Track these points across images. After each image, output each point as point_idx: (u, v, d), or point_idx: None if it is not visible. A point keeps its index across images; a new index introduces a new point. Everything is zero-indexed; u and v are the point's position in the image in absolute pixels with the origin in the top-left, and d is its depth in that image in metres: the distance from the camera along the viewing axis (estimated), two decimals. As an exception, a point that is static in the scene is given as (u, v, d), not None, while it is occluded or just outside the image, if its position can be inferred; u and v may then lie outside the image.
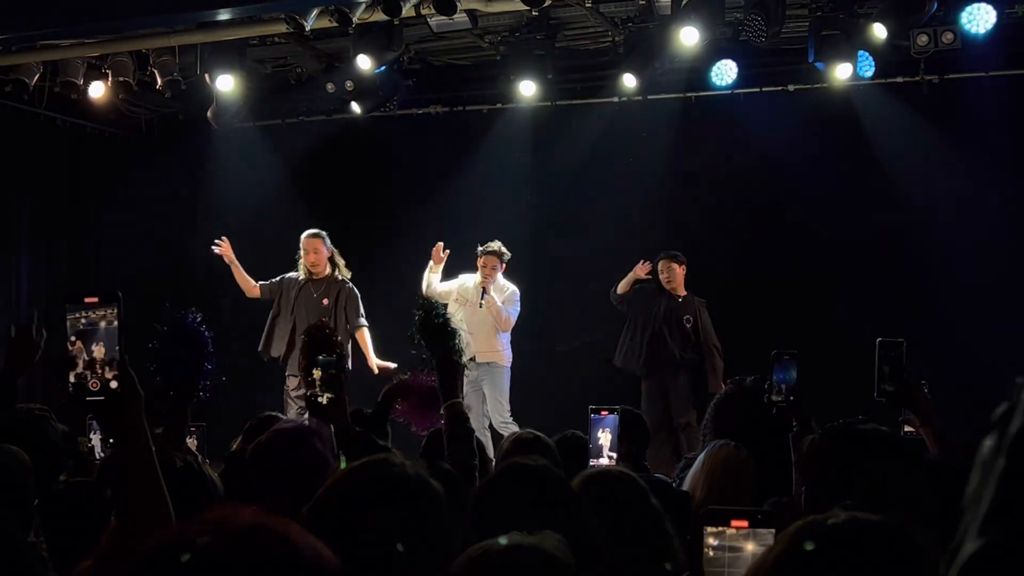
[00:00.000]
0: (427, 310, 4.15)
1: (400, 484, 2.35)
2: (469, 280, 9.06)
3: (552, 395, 9.75)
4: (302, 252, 8.86)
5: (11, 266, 10.80)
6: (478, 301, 8.88)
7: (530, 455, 2.91)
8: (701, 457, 3.99)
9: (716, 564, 1.90)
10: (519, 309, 9.05)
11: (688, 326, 9.16)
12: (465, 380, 8.64)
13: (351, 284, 8.83)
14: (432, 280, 8.93)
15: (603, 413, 3.96)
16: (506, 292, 9.03)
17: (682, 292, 9.30)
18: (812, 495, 2.81)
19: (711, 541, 1.90)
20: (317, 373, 3.97)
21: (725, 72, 9.03)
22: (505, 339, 9.06)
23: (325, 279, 8.83)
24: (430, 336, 4.10)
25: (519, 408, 8.96)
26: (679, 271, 9.28)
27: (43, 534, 2.93)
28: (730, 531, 1.91)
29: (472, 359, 8.66)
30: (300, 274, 8.89)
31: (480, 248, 8.96)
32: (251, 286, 8.98)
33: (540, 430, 4.29)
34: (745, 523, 1.90)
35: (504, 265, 8.99)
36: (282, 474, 3.34)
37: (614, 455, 3.95)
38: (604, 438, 4.03)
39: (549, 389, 9.96)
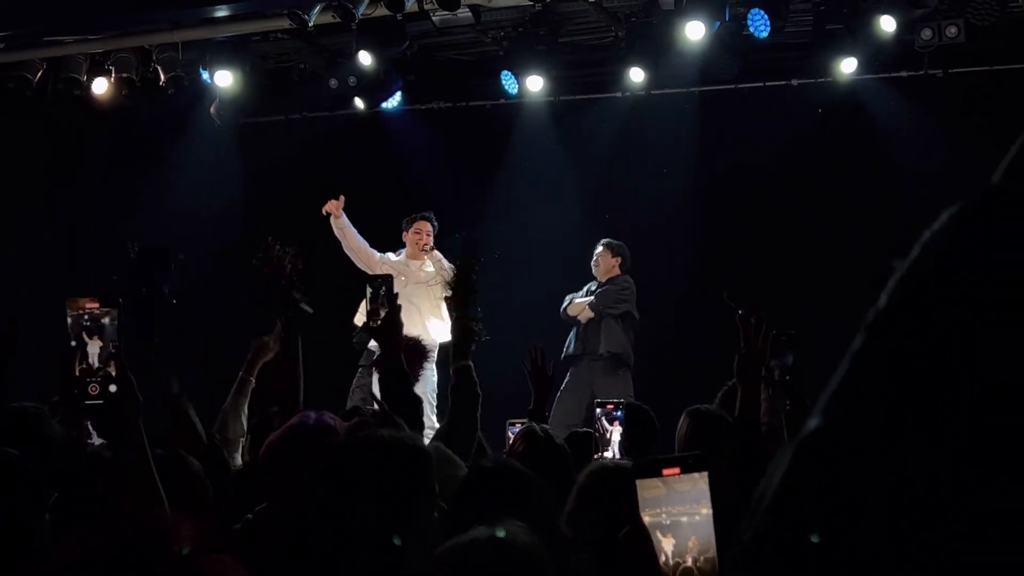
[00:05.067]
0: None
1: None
2: (391, 255, 8.86)
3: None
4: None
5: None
6: (418, 272, 8.57)
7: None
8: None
9: (653, 510, 1.89)
10: None
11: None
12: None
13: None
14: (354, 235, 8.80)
15: (609, 407, 3.98)
16: (446, 263, 8.35)
17: (603, 278, 9.10)
18: None
19: (644, 493, 1.89)
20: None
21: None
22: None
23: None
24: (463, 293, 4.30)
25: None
26: (608, 260, 9.09)
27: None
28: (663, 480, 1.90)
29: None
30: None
31: (406, 219, 8.77)
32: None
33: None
34: (677, 470, 1.89)
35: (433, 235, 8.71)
36: (292, 474, 3.34)
37: (616, 447, 3.96)
38: (613, 431, 4.06)
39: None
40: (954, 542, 0.73)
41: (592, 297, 8.98)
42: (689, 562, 1.85)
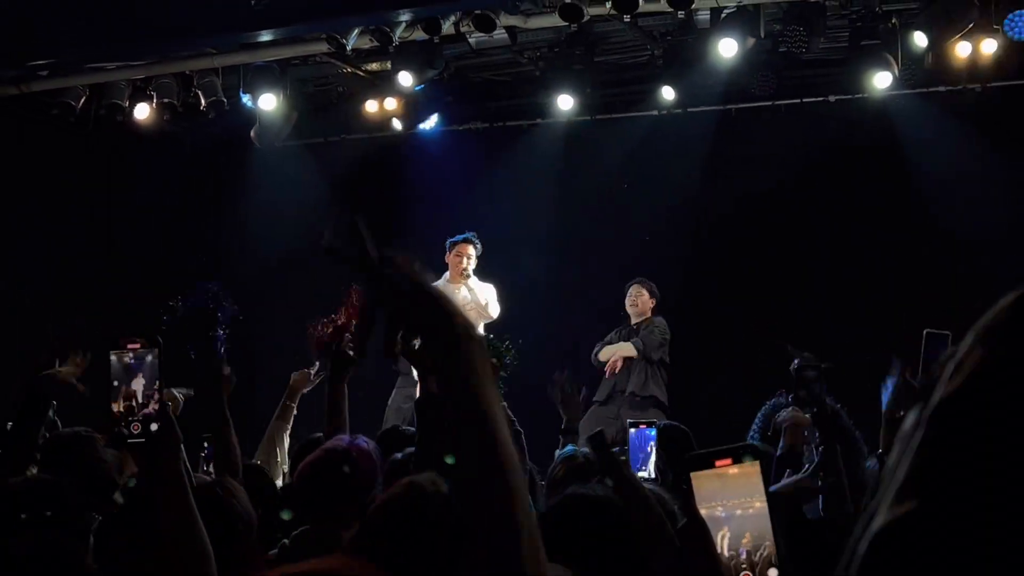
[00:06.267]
0: None
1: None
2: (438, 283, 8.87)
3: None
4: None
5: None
6: (455, 296, 8.45)
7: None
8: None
9: (709, 503, 1.92)
10: (499, 307, 8.70)
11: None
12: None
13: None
14: None
15: (641, 426, 3.98)
16: (485, 290, 8.61)
17: (643, 318, 9.06)
18: None
19: (699, 486, 1.92)
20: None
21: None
22: None
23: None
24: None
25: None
26: (646, 300, 9.06)
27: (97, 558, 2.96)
28: (717, 471, 1.92)
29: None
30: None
31: (450, 240, 8.72)
32: None
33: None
34: (729, 460, 1.91)
35: (476, 259, 8.68)
36: (325, 497, 3.37)
37: (652, 467, 3.97)
38: (647, 452, 4.06)
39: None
40: None
41: (635, 339, 8.90)
42: (744, 556, 1.88)
